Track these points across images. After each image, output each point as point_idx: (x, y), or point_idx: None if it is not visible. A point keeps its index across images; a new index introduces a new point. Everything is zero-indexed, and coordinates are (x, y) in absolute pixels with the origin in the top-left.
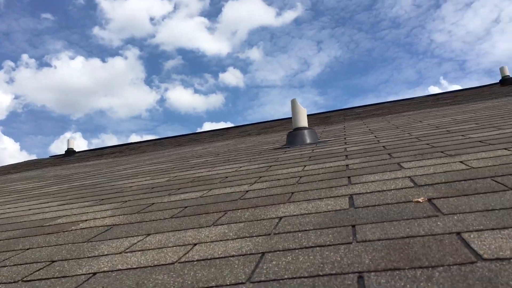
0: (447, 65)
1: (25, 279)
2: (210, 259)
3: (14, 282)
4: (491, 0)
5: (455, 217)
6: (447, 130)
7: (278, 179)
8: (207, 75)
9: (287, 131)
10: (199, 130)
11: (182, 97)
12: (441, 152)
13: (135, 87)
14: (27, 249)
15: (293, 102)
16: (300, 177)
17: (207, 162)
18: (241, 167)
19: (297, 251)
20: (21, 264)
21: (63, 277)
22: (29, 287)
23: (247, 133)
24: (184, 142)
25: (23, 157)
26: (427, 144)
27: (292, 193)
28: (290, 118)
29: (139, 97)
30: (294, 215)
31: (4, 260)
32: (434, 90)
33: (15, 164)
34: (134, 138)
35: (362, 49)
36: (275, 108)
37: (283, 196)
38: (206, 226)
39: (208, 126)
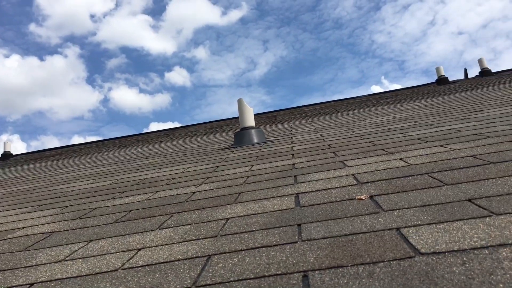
0: (387, 65)
1: None
2: (155, 264)
3: None
4: (426, 3)
5: (395, 213)
6: (388, 128)
7: (226, 180)
8: (152, 75)
9: (234, 130)
10: (145, 131)
11: (126, 97)
12: (382, 149)
13: (76, 87)
14: None
15: (240, 102)
16: (248, 177)
17: (153, 164)
18: (188, 168)
19: (243, 252)
20: None
21: None
22: None
23: (195, 133)
24: (130, 143)
25: None
26: (369, 142)
27: (239, 193)
28: (238, 117)
29: (81, 97)
30: (241, 216)
31: None
32: (376, 89)
33: None
34: (77, 140)
35: (307, 48)
36: (222, 107)
37: (230, 197)
38: (151, 230)
39: (154, 127)
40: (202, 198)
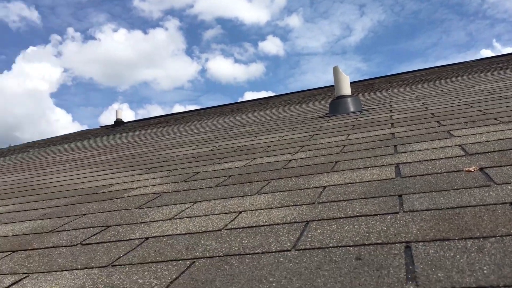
0: (500, 26)
1: (83, 242)
2: (255, 226)
3: (74, 245)
4: None
5: (509, 187)
6: (500, 96)
7: (321, 148)
8: (246, 44)
9: (329, 99)
10: (240, 100)
11: (222, 67)
12: (494, 119)
13: (176, 58)
14: (84, 214)
15: (335, 70)
16: (344, 146)
17: (249, 132)
18: (283, 136)
19: (341, 220)
20: (79, 229)
21: (118, 241)
22: (87, 250)
23: (289, 102)
24: (227, 111)
25: (75, 127)
26: (479, 110)
27: (336, 162)
28: (333, 86)
29: (181, 68)
30: (338, 184)
31: (63, 224)
32: (486, 53)
33: (67, 134)
34: (178, 108)
35: (407, 11)
36: (317, 76)
37: (327, 165)
38: (251, 195)
39: (249, 96)
40: (298, 165)
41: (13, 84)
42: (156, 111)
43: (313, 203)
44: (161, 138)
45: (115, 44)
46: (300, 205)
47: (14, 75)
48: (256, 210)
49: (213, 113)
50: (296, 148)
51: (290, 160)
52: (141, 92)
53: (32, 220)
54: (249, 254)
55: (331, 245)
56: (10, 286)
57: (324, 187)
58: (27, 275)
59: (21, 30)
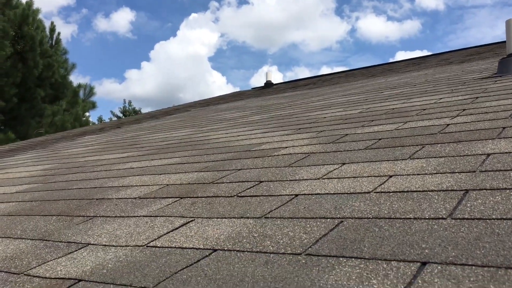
0: None
1: (239, 194)
2: (407, 191)
3: (231, 196)
4: None
5: None
6: None
7: (486, 112)
8: (401, 0)
9: (499, 57)
10: (391, 60)
11: (373, 25)
12: None
13: (325, 19)
14: (239, 169)
15: (508, 24)
16: None
17: (402, 94)
18: (441, 98)
19: (508, 191)
20: (235, 182)
21: (269, 195)
22: (243, 202)
23: (448, 61)
24: (377, 72)
25: (229, 89)
26: None
27: (503, 128)
28: (504, 42)
29: (330, 29)
30: (505, 153)
31: (221, 177)
32: None
33: (222, 95)
34: (325, 70)
35: None
36: (482, 31)
37: (492, 131)
38: (402, 159)
39: (401, 56)
40: (457, 130)
41: (178, 49)
42: (303, 73)
43: (474, 171)
44: (309, 100)
45: (266, 7)
46: (458, 172)
47: (179, 41)
48: (408, 175)
49: (362, 74)
50: (455, 111)
51: (448, 125)
52: (290, 54)
53: (195, 171)
54: (400, 218)
55: (493, 216)
56: (179, 227)
57: (488, 154)
58: (193, 219)
59: None
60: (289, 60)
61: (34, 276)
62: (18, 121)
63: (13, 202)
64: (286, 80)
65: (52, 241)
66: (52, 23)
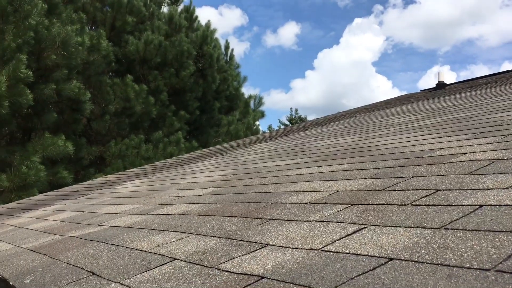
0: None
1: (414, 203)
2: None
3: (405, 205)
4: None
5: None
6: None
7: None
8: None
9: None
10: None
11: None
12: None
13: (507, 10)
14: (412, 177)
15: None
16: None
17: None
18: None
19: None
20: (408, 190)
21: (449, 205)
22: (418, 211)
23: None
24: None
25: (394, 93)
26: None
27: None
28: None
29: None
30: None
31: (393, 185)
32: None
33: (389, 99)
34: (507, 66)
35: None
36: None
37: None
38: None
39: None
40: None
41: (341, 56)
42: (480, 71)
43: None
44: (491, 100)
45: (436, 4)
46: None
47: (342, 48)
48: None
49: None
50: None
51: None
52: (464, 52)
53: (365, 178)
54: None
55: None
56: (352, 233)
57: None
58: (365, 226)
59: (348, 6)
60: (463, 58)
61: (223, 271)
62: (200, 131)
63: (201, 203)
64: (460, 79)
65: (236, 239)
66: (226, 41)
